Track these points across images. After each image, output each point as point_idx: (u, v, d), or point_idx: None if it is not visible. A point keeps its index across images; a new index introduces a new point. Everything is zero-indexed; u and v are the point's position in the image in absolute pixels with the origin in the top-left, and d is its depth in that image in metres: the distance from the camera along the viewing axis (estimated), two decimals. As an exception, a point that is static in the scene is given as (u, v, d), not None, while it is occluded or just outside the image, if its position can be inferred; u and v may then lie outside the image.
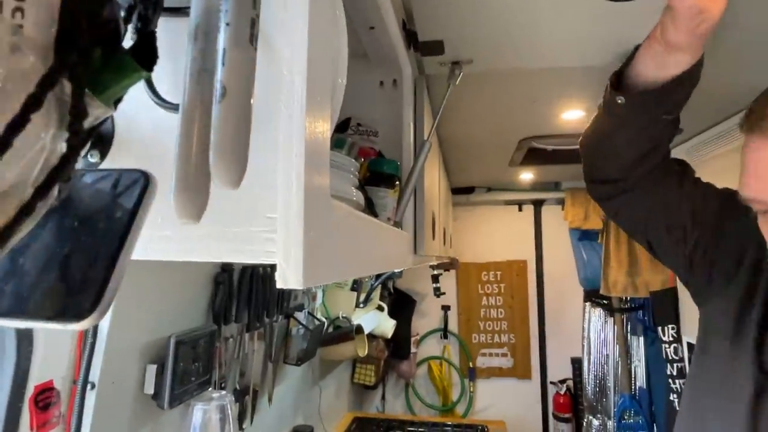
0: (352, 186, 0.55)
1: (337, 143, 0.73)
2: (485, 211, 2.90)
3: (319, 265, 0.31)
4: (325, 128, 0.33)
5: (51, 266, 0.23)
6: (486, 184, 2.67)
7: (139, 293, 0.81)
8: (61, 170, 0.13)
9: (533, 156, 1.85)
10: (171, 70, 0.32)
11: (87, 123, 0.14)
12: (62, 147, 0.13)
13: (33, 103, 0.11)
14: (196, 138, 0.18)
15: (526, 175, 2.38)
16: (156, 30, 0.16)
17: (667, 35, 0.64)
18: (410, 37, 0.76)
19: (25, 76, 0.11)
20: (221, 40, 0.17)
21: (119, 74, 0.15)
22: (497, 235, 2.92)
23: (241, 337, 1.12)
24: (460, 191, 2.69)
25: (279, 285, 0.28)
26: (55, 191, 0.14)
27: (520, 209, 2.90)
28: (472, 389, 2.85)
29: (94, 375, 0.72)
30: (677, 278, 0.85)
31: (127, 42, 0.17)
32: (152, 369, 0.81)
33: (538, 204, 2.87)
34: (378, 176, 0.73)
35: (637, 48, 0.74)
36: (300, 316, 1.42)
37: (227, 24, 0.17)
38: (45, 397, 0.68)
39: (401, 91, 0.88)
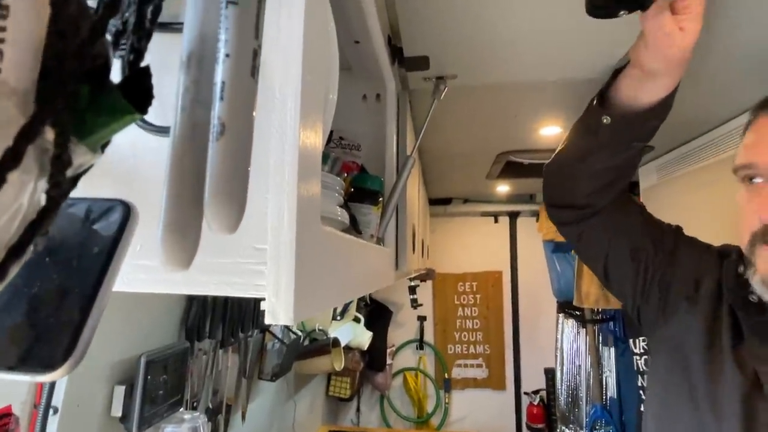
0: (338, 205, 0.54)
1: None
2: (462, 223, 2.92)
3: (310, 297, 0.29)
4: (317, 151, 0.32)
5: (16, 306, 0.21)
6: (463, 195, 2.70)
7: (107, 310, 0.77)
8: (39, 226, 0.12)
9: (510, 169, 1.87)
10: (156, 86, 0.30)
11: (70, 171, 0.12)
12: (41, 199, 0.12)
13: (10, 159, 0.10)
14: (188, 176, 0.16)
15: (503, 188, 2.41)
16: (146, 60, 0.15)
17: (641, 59, 0.65)
18: (395, 52, 0.76)
19: (0, 127, 0.10)
20: (220, 72, 0.15)
21: (109, 117, 0.13)
22: (474, 246, 2.94)
23: (214, 353, 1.08)
24: (438, 202, 2.70)
25: (268, 321, 0.26)
26: (31, 247, 0.12)
27: (496, 221, 2.93)
28: (447, 400, 2.85)
29: (58, 398, 0.68)
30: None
31: (114, 71, 0.15)
32: (120, 390, 0.77)
33: (513, 216, 2.91)
34: (362, 192, 0.72)
35: (617, 70, 0.76)
36: (276, 329, 1.39)
37: (227, 55, 0.15)
38: (2, 423, 0.63)
39: (384, 105, 0.87)
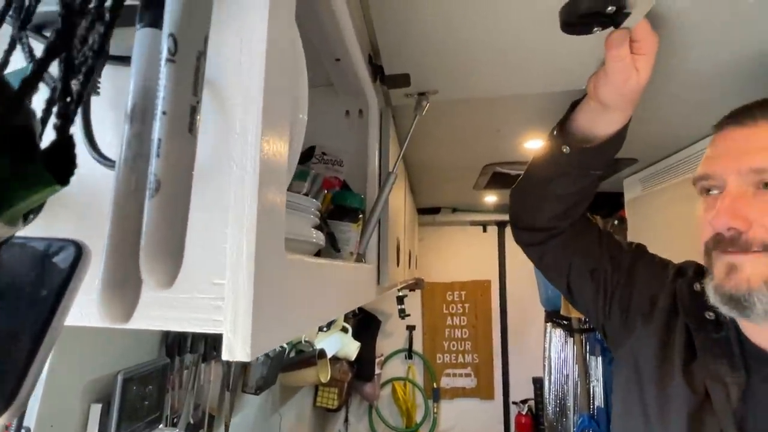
0: (312, 226, 0.54)
1: (299, 175, 0.72)
2: (451, 232, 2.92)
3: (270, 330, 0.29)
4: (281, 179, 0.32)
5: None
6: (452, 205, 2.70)
7: (84, 326, 0.76)
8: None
9: (497, 180, 1.89)
10: (114, 121, 0.30)
11: (-14, 243, 0.12)
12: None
13: None
14: (128, 230, 0.16)
15: (491, 198, 2.43)
16: (73, 136, 0.15)
17: (599, 92, 0.69)
18: (377, 70, 0.76)
19: None
20: (157, 129, 0.15)
21: (29, 189, 0.13)
22: (462, 255, 2.95)
23: (196, 368, 1.07)
24: (427, 211, 2.71)
25: (225, 357, 0.26)
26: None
27: (484, 230, 2.94)
28: (436, 410, 2.84)
29: (30, 419, 0.67)
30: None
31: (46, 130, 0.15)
32: (97, 408, 0.76)
33: (501, 225, 2.92)
34: (342, 210, 0.72)
35: (574, 102, 0.79)
36: (260, 342, 1.37)
37: (164, 113, 0.15)
38: (-29, 445, 0.62)
39: (367, 121, 0.88)
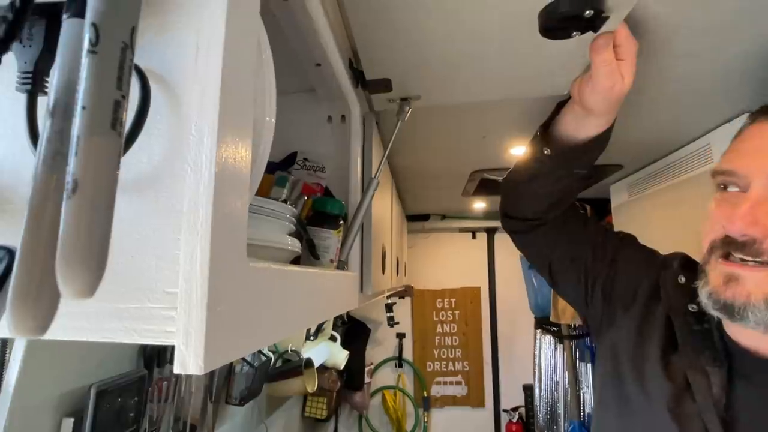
0: (287, 233, 0.53)
1: (279, 181, 0.71)
2: (440, 239, 2.92)
3: (229, 341, 0.28)
4: (243, 184, 0.31)
5: None
6: (441, 212, 2.70)
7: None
8: None
9: (485, 186, 1.88)
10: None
11: None
12: None
13: None
14: (45, 235, 0.15)
15: (479, 204, 2.43)
16: None
17: (583, 96, 0.70)
18: (357, 75, 0.76)
19: None
20: (76, 126, 0.14)
21: None
22: (452, 262, 2.94)
23: (176, 379, 1.04)
24: (416, 218, 2.70)
25: (176, 370, 0.25)
26: None
27: (473, 237, 2.94)
28: (426, 419, 2.81)
29: (-3, 434, 0.64)
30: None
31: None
32: (69, 423, 0.73)
33: (490, 232, 2.92)
34: (322, 216, 0.71)
35: (560, 103, 0.79)
36: (245, 352, 1.35)
37: (83, 107, 0.14)
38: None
39: (349, 126, 0.87)
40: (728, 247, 0.55)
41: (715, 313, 0.57)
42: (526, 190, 0.87)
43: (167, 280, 0.26)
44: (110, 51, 0.15)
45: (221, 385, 1.30)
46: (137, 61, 0.28)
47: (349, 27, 0.64)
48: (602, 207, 1.92)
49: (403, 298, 2.77)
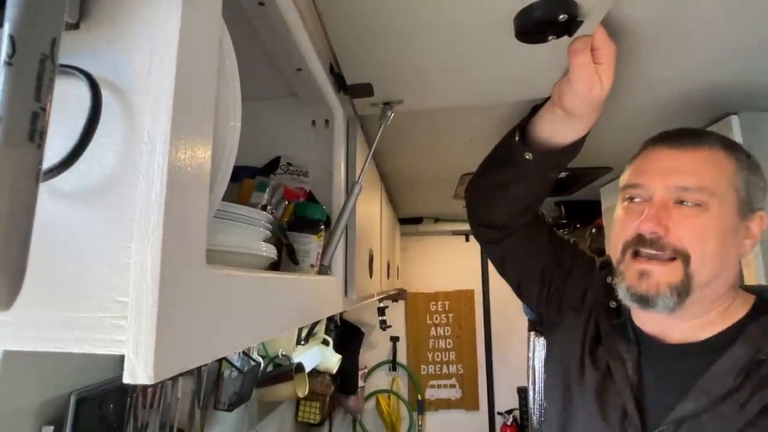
0: (262, 239, 0.53)
1: (259, 186, 0.71)
2: (433, 242, 2.92)
3: (183, 350, 0.28)
4: (200, 194, 0.31)
5: None
6: (433, 215, 2.70)
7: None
8: None
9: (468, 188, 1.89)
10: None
11: None
12: None
13: None
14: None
15: (472, 207, 2.43)
16: None
17: (564, 99, 0.71)
18: (338, 80, 0.76)
19: None
20: (-9, 138, 0.14)
21: None
22: (445, 265, 2.94)
23: (162, 385, 1.04)
24: (409, 221, 2.70)
25: (125, 380, 0.25)
26: None
27: (467, 239, 2.94)
28: (420, 422, 2.80)
29: (-26, 443, 0.64)
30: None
31: None
32: (48, 431, 0.73)
33: (484, 234, 2.92)
34: (302, 221, 0.71)
35: (535, 107, 0.80)
36: (233, 356, 1.34)
37: (-1, 119, 0.14)
38: None
39: (332, 131, 0.87)
40: (638, 244, 0.66)
41: (632, 305, 0.68)
42: (501, 195, 0.88)
43: (118, 289, 0.26)
44: (28, 63, 0.15)
45: (209, 391, 1.30)
46: (90, 69, 0.28)
47: (328, 32, 0.64)
48: (592, 209, 1.92)
49: (397, 301, 2.76)
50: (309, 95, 0.81)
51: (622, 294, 0.68)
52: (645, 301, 0.65)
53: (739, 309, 0.68)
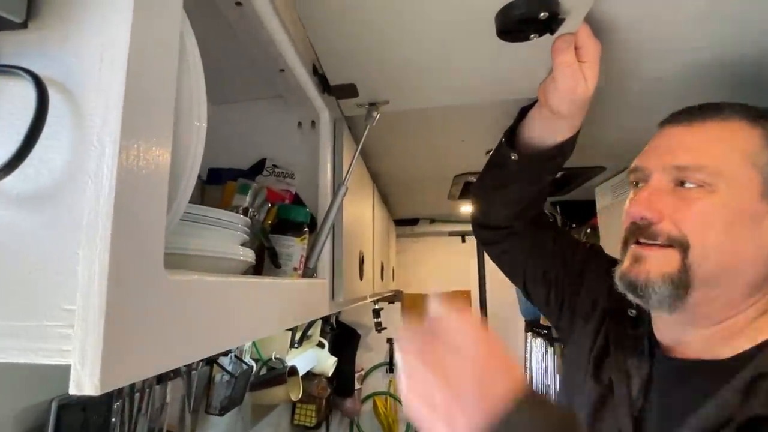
0: (240, 242, 0.52)
1: (241, 188, 0.70)
2: (429, 243, 2.91)
3: (136, 359, 0.27)
4: (157, 198, 0.30)
5: None
6: (429, 216, 2.70)
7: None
8: None
9: (470, 190, 1.88)
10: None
11: None
12: None
13: None
14: None
15: (467, 208, 2.42)
16: None
17: (550, 100, 0.70)
18: (322, 81, 0.75)
19: None
20: None
21: None
22: (442, 265, 2.93)
23: (150, 390, 1.03)
24: (405, 222, 2.70)
25: (71, 391, 0.24)
26: None
27: (463, 240, 2.93)
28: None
29: (-49, 453, 0.63)
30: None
31: None
32: (30, 438, 0.72)
33: (480, 235, 2.92)
34: (285, 224, 0.70)
35: (523, 108, 0.79)
36: (225, 360, 1.33)
37: None
38: None
39: (319, 132, 0.86)
40: (633, 233, 0.60)
41: (626, 293, 0.61)
42: (496, 196, 0.87)
43: (65, 297, 0.25)
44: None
45: (200, 395, 1.29)
46: (39, 70, 0.27)
47: (309, 33, 0.63)
48: (587, 209, 1.92)
49: (392, 303, 2.75)
50: (294, 96, 0.80)
51: (618, 282, 0.62)
52: (634, 288, 0.58)
53: None
